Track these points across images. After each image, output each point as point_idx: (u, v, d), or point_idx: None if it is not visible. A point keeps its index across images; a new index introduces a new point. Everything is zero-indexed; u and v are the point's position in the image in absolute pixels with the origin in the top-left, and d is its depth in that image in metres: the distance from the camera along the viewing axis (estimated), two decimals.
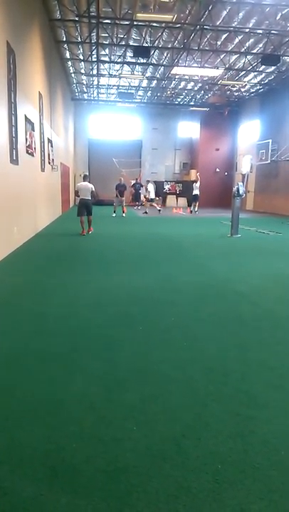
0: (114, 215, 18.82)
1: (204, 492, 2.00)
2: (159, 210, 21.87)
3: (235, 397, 2.90)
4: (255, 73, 21.92)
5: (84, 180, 12.04)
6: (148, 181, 22.92)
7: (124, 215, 18.74)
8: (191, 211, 23.10)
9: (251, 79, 23.29)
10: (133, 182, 24.99)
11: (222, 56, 19.14)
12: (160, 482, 2.05)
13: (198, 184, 22.58)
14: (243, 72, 21.68)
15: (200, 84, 25.14)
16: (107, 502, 1.92)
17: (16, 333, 4.08)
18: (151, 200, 22.19)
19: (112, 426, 2.52)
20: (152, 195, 22.09)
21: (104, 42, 17.77)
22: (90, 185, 11.76)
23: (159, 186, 31.24)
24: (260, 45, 17.97)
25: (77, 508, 1.89)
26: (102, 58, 20.03)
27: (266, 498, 1.98)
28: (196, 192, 22.60)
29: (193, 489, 2.01)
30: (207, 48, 18.01)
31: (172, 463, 2.20)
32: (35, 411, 2.68)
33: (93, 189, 11.82)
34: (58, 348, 3.69)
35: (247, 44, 17.61)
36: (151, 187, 22.17)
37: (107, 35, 16.93)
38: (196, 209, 22.87)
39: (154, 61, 20.20)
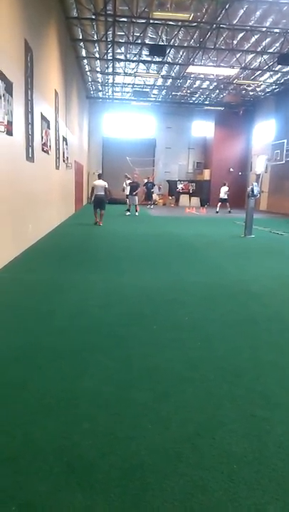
0: (128, 213, 18.85)
1: (220, 491, 2.00)
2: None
3: (248, 398, 2.89)
4: (271, 73, 21.75)
5: (99, 179, 13.69)
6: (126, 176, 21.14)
7: (136, 214, 18.76)
8: (217, 211, 23.53)
9: (267, 78, 23.12)
10: (145, 181, 25.00)
11: (238, 55, 19.04)
12: (176, 480, 2.06)
13: (226, 189, 23.47)
14: (259, 72, 21.54)
15: (215, 84, 25.03)
16: (123, 498, 1.93)
17: (28, 330, 4.11)
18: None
19: (125, 424, 2.53)
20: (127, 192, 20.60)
21: (121, 40, 17.80)
22: (104, 183, 13.30)
23: (172, 185, 31.27)
24: (277, 45, 17.83)
25: (93, 503, 1.90)
26: (118, 56, 20.05)
27: (281, 498, 1.97)
28: (223, 196, 23.54)
29: (209, 488, 2.01)
30: (223, 47, 17.94)
31: (187, 461, 2.20)
32: (48, 407, 2.70)
33: (107, 186, 13.33)
34: (70, 346, 3.71)
35: (263, 43, 17.48)
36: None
37: (123, 33, 16.94)
38: (218, 210, 23.50)
39: (169, 60, 20.18)
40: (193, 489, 2.00)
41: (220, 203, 23.62)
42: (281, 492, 2.01)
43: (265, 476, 2.11)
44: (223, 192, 23.58)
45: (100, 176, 14.11)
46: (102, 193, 13.23)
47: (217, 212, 23.30)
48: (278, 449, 2.33)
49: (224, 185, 23.84)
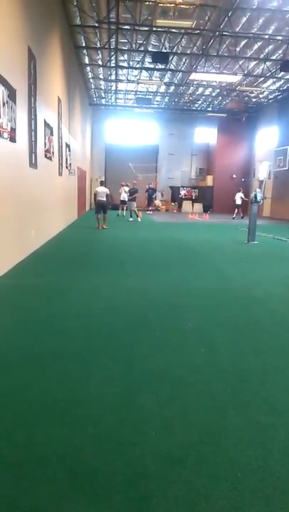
0: (131, 219, 18.93)
1: (224, 500, 1.97)
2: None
3: (253, 404, 2.87)
4: (274, 79, 21.85)
5: (101, 185, 14.84)
6: (122, 185, 21.31)
7: (139, 219, 18.85)
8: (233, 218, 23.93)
9: (270, 85, 23.21)
10: (147, 187, 25.19)
11: (241, 62, 19.13)
12: (179, 488, 2.04)
13: (240, 194, 23.99)
14: (262, 79, 21.64)
15: (218, 90, 25.15)
16: (126, 505, 1.91)
17: (33, 333, 4.10)
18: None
19: (129, 429, 2.52)
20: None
21: (123, 48, 17.92)
22: (106, 189, 14.43)
23: (175, 191, 31.34)
24: (280, 52, 17.92)
25: (96, 510, 1.88)
26: (121, 64, 20.19)
27: (286, 507, 1.95)
28: (239, 202, 24.08)
29: (213, 496, 1.99)
30: (226, 54, 18.03)
31: (191, 469, 2.18)
32: (52, 411, 2.69)
33: (108, 192, 14.44)
34: (73, 350, 3.70)
35: (266, 50, 17.58)
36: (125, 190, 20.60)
37: (126, 41, 17.06)
38: (235, 216, 24.01)
39: (172, 67, 20.29)
40: (196, 497, 1.98)
41: (236, 209, 24.08)
42: (286, 500, 1.99)
43: (269, 485, 2.09)
44: (239, 198, 23.96)
45: (102, 183, 15.36)
46: (104, 199, 14.28)
47: (234, 218, 23.59)
48: (282, 456, 2.31)
49: (239, 191, 24.25)
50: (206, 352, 3.78)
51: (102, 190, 14.37)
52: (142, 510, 1.90)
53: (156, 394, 2.95)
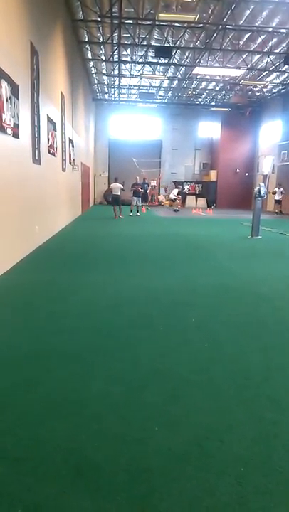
0: (130, 214, 19.03)
1: (227, 495, 1.98)
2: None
3: (257, 401, 2.86)
4: (278, 73, 21.69)
5: (115, 182, 17.60)
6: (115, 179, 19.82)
7: (138, 214, 19.14)
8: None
9: (273, 79, 23.06)
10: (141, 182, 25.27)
11: (244, 56, 19.02)
12: (183, 484, 2.04)
13: (281, 189, 24.18)
14: (266, 72, 21.49)
15: (221, 84, 25.01)
16: (130, 502, 1.92)
17: (36, 331, 4.12)
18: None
19: (133, 426, 2.52)
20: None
21: (126, 42, 17.84)
22: (120, 185, 17.26)
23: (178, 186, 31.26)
24: (284, 45, 17.80)
25: (100, 507, 1.89)
26: (124, 58, 20.10)
27: None
28: (278, 197, 24.35)
29: (216, 492, 1.99)
30: (229, 48, 17.92)
31: (195, 465, 2.18)
32: (56, 409, 2.70)
33: (122, 187, 17.35)
34: (77, 347, 3.71)
35: (270, 44, 17.45)
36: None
37: (129, 35, 16.98)
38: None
39: (175, 61, 20.18)
40: (200, 492, 1.99)
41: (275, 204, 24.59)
42: None
43: (273, 480, 2.09)
44: (280, 192, 24.25)
45: (116, 180, 17.85)
46: (118, 193, 17.15)
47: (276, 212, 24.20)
48: (287, 452, 2.31)
49: (280, 186, 24.55)
50: (209, 349, 3.77)
51: (117, 185, 17.12)
52: (146, 506, 1.90)
53: (160, 391, 2.95)
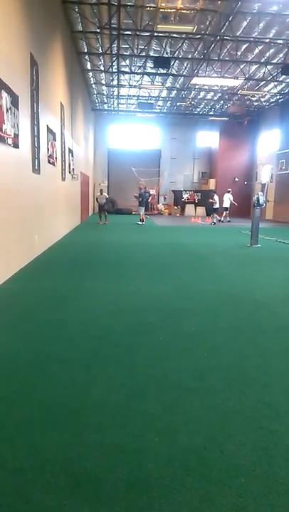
0: (138, 223, 19.40)
1: (228, 506, 1.96)
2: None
3: (257, 409, 2.85)
4: (275, 83, 21.88)
5: (101, 194, 19.59)
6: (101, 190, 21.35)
7: (139, 222, 19.37)
8: None
9: (271, 89, 23.26)
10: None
11: (242, 66, 19.18)
12: (183, 494, 2.03)
13: (229, 196, 23.52)
14: (263, 82, 21.67)
15: (219, 94, 25.21)
16: None
17: (36, 339, 4.10)
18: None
19: (133, 435, 2.51)
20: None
21: (125, 53, 18.01)
22: (105, 195, 19.62)
23: (177, 195, 31.38)
24: (281, 55, 17.96)
25: None
26: (123, 69, 20.27)
27: None
28: (226, 204, 23.60)
29: (216, 503, 1.98)
30: (227, 58, 18.09)
31: (195, 475, 2.17)
32: (55, 417, 2.69)
33: (107, 196, 19.84)
34: (77, 355, 3.69)
35: (267, 54, 17.63)
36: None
37: (127, 46, 17.15)
38: (222, 219, 23.78)
39: (174, 71, 20.36)
40: (200, 504, 1.97)
41: (224, 212, 23.75)
42: None
43: (273, 490, 2.08)
44: (227, 199, 23.52)
45: (101, 191, 20.05)
46: (104, 201, 19.27)
47: (220, 221, 23.25)
48: (287, 462, 2.30)
49: (228, 192, 23.77)
50: (208, 356, 3.76)
51: (101, 195, 19.48)
52: None
53: (160, 399, 2.94)
